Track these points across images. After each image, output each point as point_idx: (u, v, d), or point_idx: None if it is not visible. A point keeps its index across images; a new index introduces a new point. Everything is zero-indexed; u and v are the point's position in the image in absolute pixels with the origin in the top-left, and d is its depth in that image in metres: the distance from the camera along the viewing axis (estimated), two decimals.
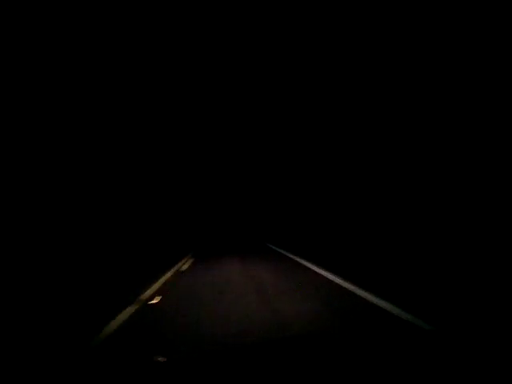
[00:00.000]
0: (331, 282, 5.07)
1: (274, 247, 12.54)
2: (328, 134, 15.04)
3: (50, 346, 2.84)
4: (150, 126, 20.00)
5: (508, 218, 5.39)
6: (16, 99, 10.61)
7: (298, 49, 13.91)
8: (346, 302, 3.78)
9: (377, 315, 3.23)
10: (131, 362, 1.10)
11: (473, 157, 6.28)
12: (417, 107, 7.84)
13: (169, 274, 6.73)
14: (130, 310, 3.93)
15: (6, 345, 2.88)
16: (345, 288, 4.52)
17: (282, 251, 10.52)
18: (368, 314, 3.28)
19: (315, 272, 6.08)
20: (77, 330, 3.22)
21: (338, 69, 11.27)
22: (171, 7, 16.91)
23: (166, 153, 23.30)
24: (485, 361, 0.87)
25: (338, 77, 11.58)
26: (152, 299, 4.48)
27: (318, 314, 3.36)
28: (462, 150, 6.55)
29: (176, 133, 24.05)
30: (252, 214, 28.92)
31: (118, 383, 0.86)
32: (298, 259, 8.13)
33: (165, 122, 22.30)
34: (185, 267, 7.79)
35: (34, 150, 9.96)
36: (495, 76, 5.87)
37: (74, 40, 14.59)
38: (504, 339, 1.03)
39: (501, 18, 5.68)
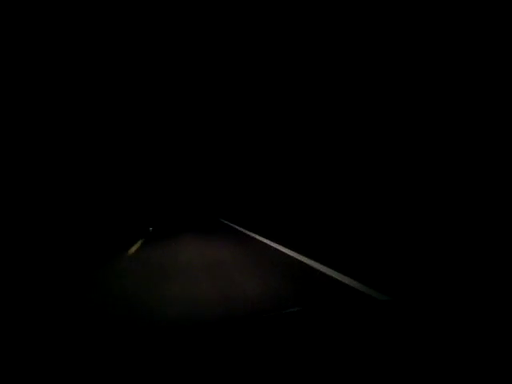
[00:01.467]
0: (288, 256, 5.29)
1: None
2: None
3: None
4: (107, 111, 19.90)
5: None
6: (14, 98, 10.56)
7: (293, 42, 13.83)
8: (302, 275, 3.97)
9: (330, 285, 3.40)
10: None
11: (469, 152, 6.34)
12: (415, 102, 7.87)
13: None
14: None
15: None
16: (302, 262, 4.70)
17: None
18: (323, 285, 3.44)
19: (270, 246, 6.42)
20: None
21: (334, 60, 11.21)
22: (165, 6, 16.79)
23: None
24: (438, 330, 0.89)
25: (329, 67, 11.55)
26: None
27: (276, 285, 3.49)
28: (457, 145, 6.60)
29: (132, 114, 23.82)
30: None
31: None
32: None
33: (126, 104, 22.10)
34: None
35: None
36: (495, 76, 5.92)
37: (72, 40, 14.48)
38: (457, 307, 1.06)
39: (501, 18, 5.71)
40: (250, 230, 9.31)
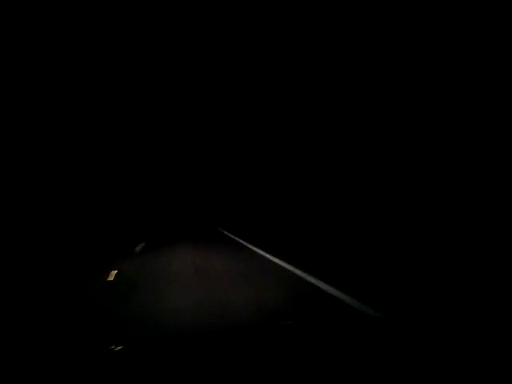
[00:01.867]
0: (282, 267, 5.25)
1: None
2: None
3: None
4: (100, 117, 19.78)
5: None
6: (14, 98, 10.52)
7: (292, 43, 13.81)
8: (295, 288, 3.96)
9: (324, 300, 3.39)
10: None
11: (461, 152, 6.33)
12: (413, 103, 7.87)
13: None
14: None
15: None
16: (295, 274, 4.65)
17: None
18: (316, 300, 3.44)
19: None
20: None
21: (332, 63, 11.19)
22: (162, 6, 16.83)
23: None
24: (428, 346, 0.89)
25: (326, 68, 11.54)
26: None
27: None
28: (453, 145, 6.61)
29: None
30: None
31: None
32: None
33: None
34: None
35: None
36: (495, 76, 5.92)
37: (72, 40, 14.47)
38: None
39: (501, 18, 5.72)
40: (250, 243, 9.03)
